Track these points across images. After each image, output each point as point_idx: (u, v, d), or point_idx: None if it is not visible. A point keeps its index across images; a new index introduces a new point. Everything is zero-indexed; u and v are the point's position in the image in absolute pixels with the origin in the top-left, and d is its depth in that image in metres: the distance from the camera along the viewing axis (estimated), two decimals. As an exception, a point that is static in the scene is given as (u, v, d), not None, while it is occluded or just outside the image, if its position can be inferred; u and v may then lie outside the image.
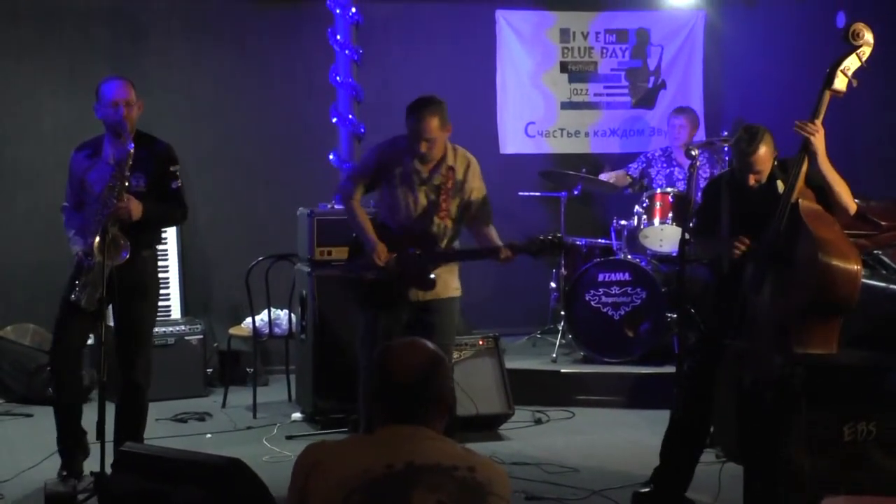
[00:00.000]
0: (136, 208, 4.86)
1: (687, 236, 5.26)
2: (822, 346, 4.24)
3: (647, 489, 4.89)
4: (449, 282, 5.13)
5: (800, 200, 4.35)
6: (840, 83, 4.38)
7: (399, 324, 5.02)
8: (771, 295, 4.37)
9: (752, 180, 4.52)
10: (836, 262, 4.16)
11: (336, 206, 6.59)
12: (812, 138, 4.34)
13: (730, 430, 4.44)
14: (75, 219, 5.11)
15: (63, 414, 5.15)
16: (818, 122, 4.36)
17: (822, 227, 4.27)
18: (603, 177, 7.64)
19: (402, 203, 5.07)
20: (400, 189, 5.07)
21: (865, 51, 4.40)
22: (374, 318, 5.05)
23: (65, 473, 5.09)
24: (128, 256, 4.83)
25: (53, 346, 5.20)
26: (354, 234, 5.27)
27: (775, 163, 4.57)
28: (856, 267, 4.19)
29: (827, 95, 4.39)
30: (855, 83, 4.40)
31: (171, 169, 5.10)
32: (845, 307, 4.24)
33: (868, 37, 4.40)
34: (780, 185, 4.52)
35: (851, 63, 4.39)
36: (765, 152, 4.47)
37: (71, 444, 5.15)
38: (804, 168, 4.37)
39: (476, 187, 5.15)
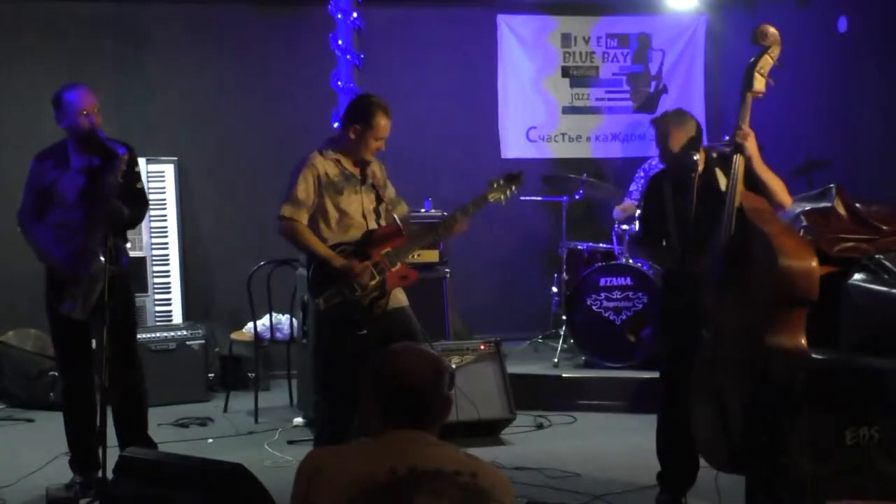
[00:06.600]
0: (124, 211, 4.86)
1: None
2: (790, 339, 4.19)
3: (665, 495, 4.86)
4: (398, 293, 4.92)
5: (744, 203, 4.34)
6: (759, 84, 4.43)
7: (375, 340, 4.65)
8: (734, 298, 4.34)
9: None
10: (791, 261, 4.14)
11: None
12: (745, 143, 4.35)
13: (711, 440, 4.40)
14: (41, 230, 5.04)
15: (82, 425, 5.08)
16: (745, 125, 4.38)
17: (769, 223, 4.26)
18: (616, 213, 7.56)
19: (352, 208, 4.90)
20: (344, 196, 4.88)
21: (775, 49, 4.47)
22: (356, 340, 4.71)
23: (79, 480, 5.05)
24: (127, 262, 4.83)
25: (65, 364, 5.13)
26: (311, 262, 4.90)
27: (714, 154, 4.63)
28: (812, 263, 4.16)
29: (749, 98, 4.43)
30: (772, 82, 4.45)
31: (136, 170, 5.12)
32: (806, 300, 4.20)
33: (774, 34, 4.47)
34: (719, 174, 4.54)
35: (765, 63, 4.45)
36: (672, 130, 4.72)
37: (83, 454, 5.10)
38: (741, 171, 4.37)
39: (390, 185, 5.12)
